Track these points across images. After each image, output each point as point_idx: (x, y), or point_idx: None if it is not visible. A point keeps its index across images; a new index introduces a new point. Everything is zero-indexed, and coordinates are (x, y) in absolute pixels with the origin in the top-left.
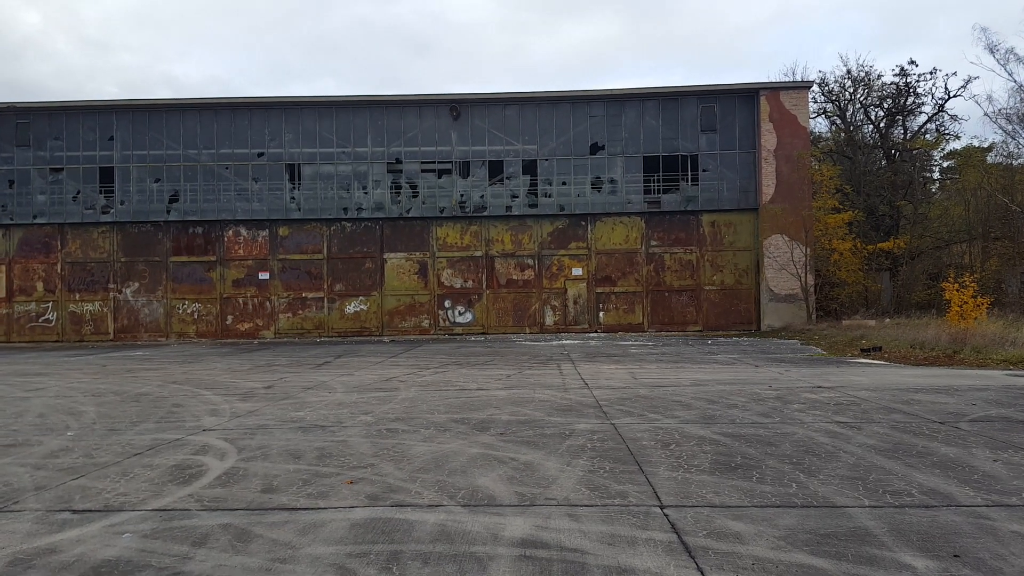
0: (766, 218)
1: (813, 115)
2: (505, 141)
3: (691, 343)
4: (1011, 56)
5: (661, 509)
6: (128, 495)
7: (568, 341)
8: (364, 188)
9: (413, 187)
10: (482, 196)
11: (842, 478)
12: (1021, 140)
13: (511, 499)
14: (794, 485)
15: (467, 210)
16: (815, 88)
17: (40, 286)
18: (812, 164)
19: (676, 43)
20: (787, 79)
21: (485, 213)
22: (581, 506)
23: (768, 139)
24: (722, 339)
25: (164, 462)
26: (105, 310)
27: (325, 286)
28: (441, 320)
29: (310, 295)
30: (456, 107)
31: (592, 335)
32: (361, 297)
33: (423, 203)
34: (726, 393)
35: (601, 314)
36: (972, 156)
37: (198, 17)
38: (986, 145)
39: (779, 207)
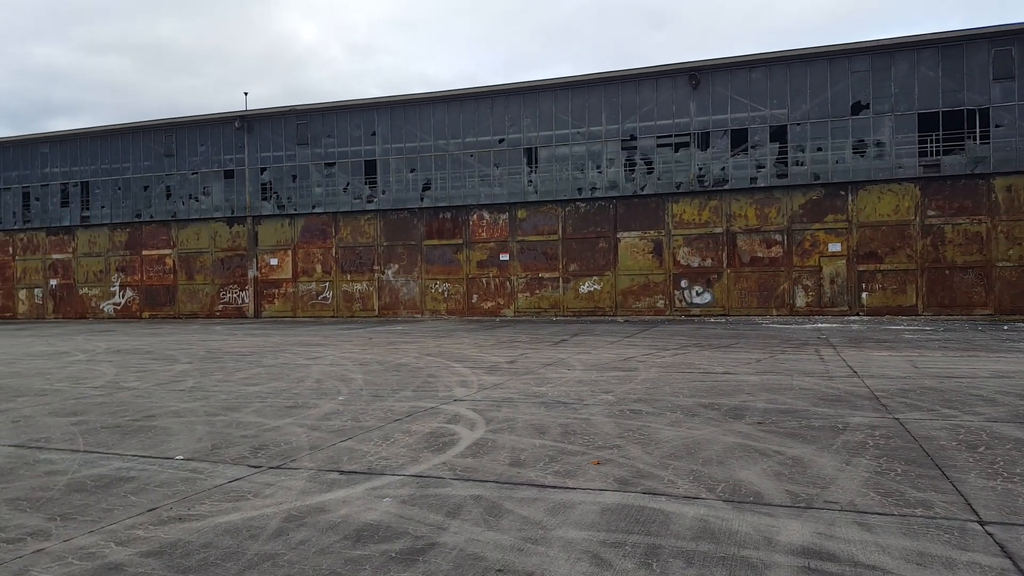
0: None
1: None
2: (750, 107)
3: (981, 328)
4: None
5: (981, 525)
6: (389, 459)
7: (824, 325)
8: (598, 167)
9: (648, 163)
10: (723, 168)
11: None
12: None
13: (782, 498)
14: None
15: (706, 184)
16: None
17: (319, 268)
18: None
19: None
20: None
21: (726, 186)
22: (872, 514)
23: None
24: (1021, 324)
25: (420, 429)
26: (371, 289)
27: (560, 266)
28: (677, 300)
29: (546, 275)
30: (696, 75)
31: (853, 318)
32: (595, 277)
33: (658, 179)
34: None
35: (864, 295)
36: None
37: (444, 16)
38: None
39: None
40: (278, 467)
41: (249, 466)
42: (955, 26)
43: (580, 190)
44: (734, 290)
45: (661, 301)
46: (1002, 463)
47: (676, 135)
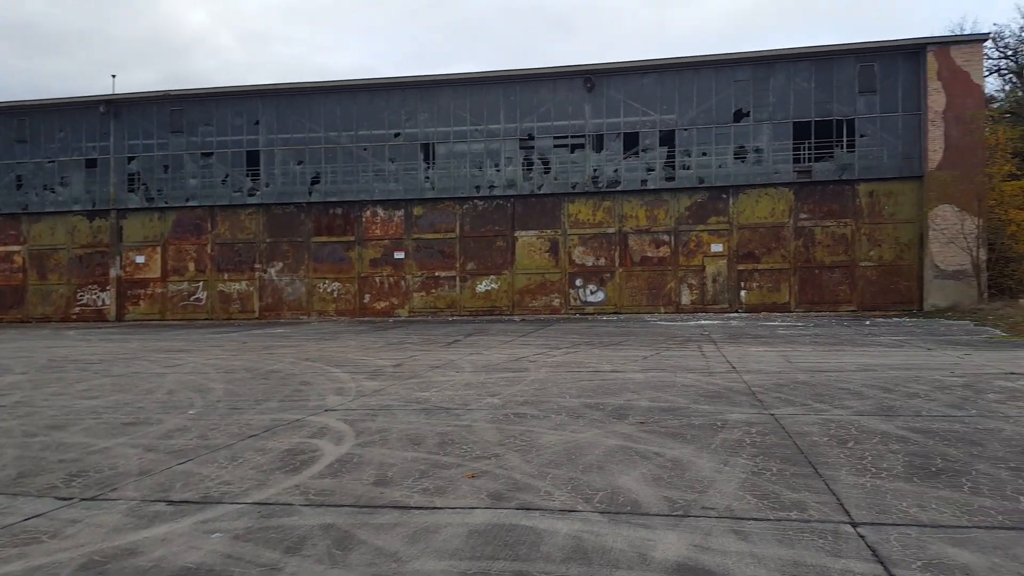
0: (932, 187)
1: (986, 73)
2: (641, 112)
3: (846, 324)
4: None
5: (853, 527)
6: (231, 484)
7: (707, 321)
8: (496, 165)
9: (545, 163)
10: (616, 170)
11: None
12: None
13: (660, 506)
14: (1023, 498)
15: (600, 185)
16: (988, 43)
17: (192, 266)
18: (986, 126)
19: (826, 7)
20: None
21: (619, 188)
22: (748, 519)
23: (936, 99)
24: (880, 320)
25: (277, 446)
26: (251, 289)
27: (457, 265)
28: (572, 299)
29: (442, 274)
30: (590, 78)
31: (733, 315)
32: (492, 276)
33: (555, 179)
34: (901, 380)
35: (743, 293)
36: None
37: (347, 8)
38: None
39: (947, 174)
40: (93, 498)
41: (57, 498)
42: (827, 41)
43: (478, 188)
44: (625, 289)
45: (557, 300)
46: (870, 458)
47: (572, 136)
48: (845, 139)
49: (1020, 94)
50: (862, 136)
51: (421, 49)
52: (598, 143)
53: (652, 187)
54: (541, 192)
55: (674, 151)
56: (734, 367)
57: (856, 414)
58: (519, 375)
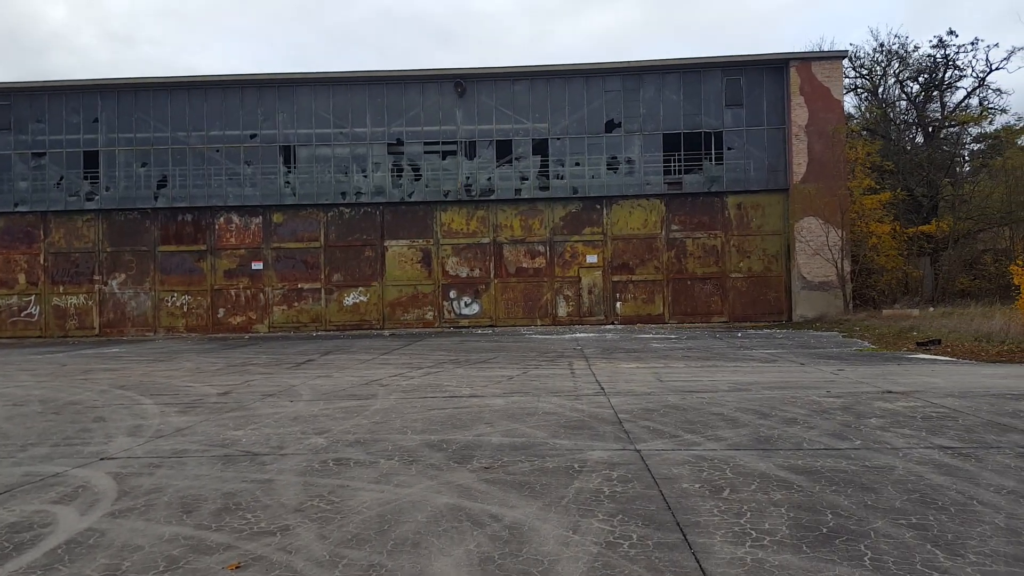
0: (797, 199)
1: (845, 91)
2: (514, 119)
3: (719, 336)
4: None
5: None
6: None
7: (582, 334)
8: (363, 171)
9: (416, 170)
10: (489, 178)
11: (1009, 558)
12: None
13: None
14: None
15: (473, 193)
16: (846, 62)
17: (22, 278)
18: (846, 140)
19: (700, 29)
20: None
21: (493, 196)
22: None
23: (799, 114)
24: (752, 331)
25: (3, 518)
26: (90, 303)
27: (322, 276)
28: (446, 312)
29: (306, 286)
30: (461, 83)
31: (609, 327)
32: (360, 288)
33: (426, 187)
34: (777, 401)
35: (618, 304)
36: (1011, 136)
37: (222, 9)
38: (1019, 127)
39: (812, 187)
40: None
41: None
42: (694, 53)
43: (344, 195)
44: (501, 301)
45: (430, 312)
46: (749, 515)
47: (443, 142)
48: (714, 151)
49: (876, 112)
50: (730, 149)
51: (300, 54)
52: (471, 150)
53: (526, 196)
54: (412, 200)
55: (548, 160)
56: (603, 388)
57: (731, 448)
58: (363, 404)
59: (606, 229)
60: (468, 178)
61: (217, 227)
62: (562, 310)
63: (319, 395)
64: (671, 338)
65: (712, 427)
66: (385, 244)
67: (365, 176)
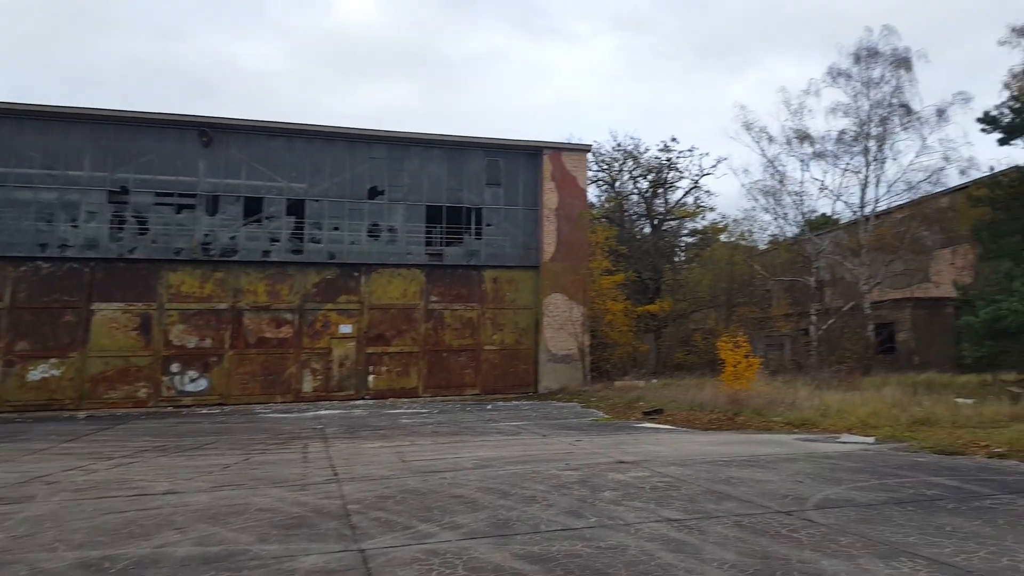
0: (546, 276)
1: (589, 181)
2: (267, 176)
3: (469, 408)
4: (763, 135)
5: None
6: None
7: (327, 412)
8: (73, 220)
9: (142, 222)
10: (233, 237)
11: None
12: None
13: None
14: None
15: (212, 253)
16: (590, 155)
17: None
18: (590, 225)
19: (466, 117)
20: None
21: (235, 258)
22: None
23: (550, 197)
24: (501, 403)
25: None
26: None
27: (2, 345)
28: (165, 388)
29: None
30: (207, 132)
31: (359, 402)
32: (53, 359)
33: (153, 242)
34: (519, 477)
35: (371, 377)
36: (717, 231)
37: None
38: (721, 225)
39: (559, 266)
40: None
41: None
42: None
43: (44, 246)
44: (236, 375)
45: (145, 389)
46: None
47: (180, 194)
48: (474, 226)
49: (613, 202)
50: (488, 225)
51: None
52: (213, 205)
53: (276, 259)
54: (133, 256)
55: (303, 222)
56: (337, 474)
57: (467, 536)
58: (13, 509)
59: (363, 298)
60: (207, 235)
61: None
62: (308, 385)
63: None
64: (422, 412)
65: (450, 512)
66: (92, 307)
67: (75, 226)
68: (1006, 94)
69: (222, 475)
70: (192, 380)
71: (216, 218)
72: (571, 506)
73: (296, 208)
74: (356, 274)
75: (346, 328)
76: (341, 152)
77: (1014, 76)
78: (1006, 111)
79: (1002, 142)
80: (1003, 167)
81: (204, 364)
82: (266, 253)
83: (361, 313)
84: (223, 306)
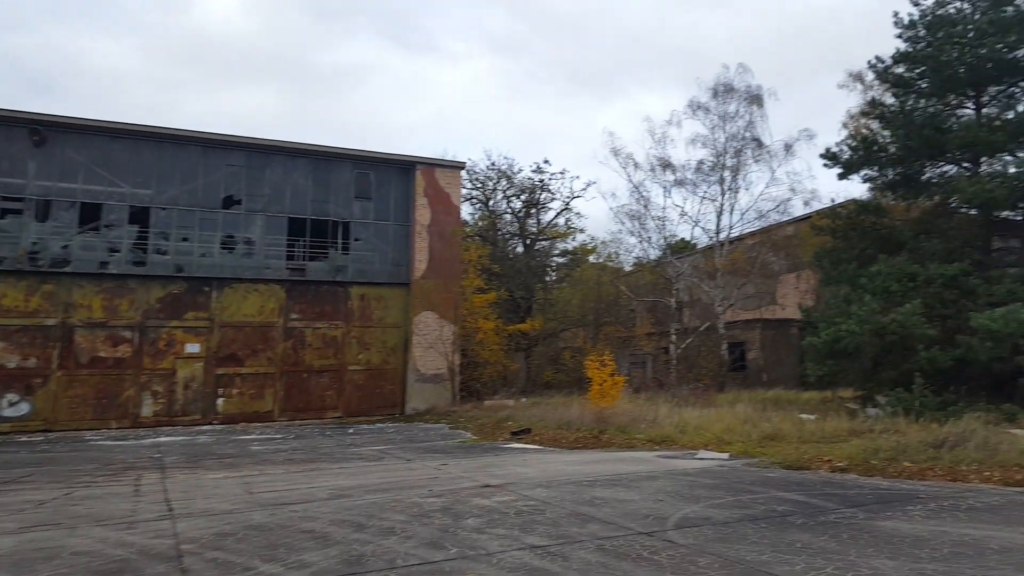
0: (417, 294)
1: (463, 199)
2: (109, 181)
3: (329, 433)
4: (630, 161)
5: None
6: None
7: (169, 438)
8: None
9: None
10: (66, 246)
11: None
12: (638, 235)
13: None
14: None
15: (40, 263)
16: (464, 173)
17: None
18: (463, 243)
19: (337, 129)
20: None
21: (67, 269)
22: None
23: (422, 213)
24: (365, 426)
25: None
26: None
27: None
28: None
29: None
30: (39, 130)
31: (206, 427)
32: None
33: None
34: (378, 508)
35: (220, 401)
36: (586, 252)
37: None
38: (591, 247)
39: (431, 283)
40: None
41: None
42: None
43: None
44: (64, 398)
45: None
46: None
47: (5, 197)
48: (341, 241)
49: (487, 221)
50: (357, 240)
51: None
52: (43, 211)
53: (115, 271)
54: None
55: (148, 232)
56: (172, 509)
57: None
58: None
59: (214, 314)
60: (35, 244)
61: None
62: (148, 409)
63: None
64: (276, 438)
65: (298, 550)
66: None
67: None
68: (844, 132)
69: (35, 514)
70: (11, 404)
71: (47, 225)
72: (432, 537)
73: (140, 216)
74: (207, 289)
75: (193, 347)
76: (194, 158)
77: (851, 117)
78: (845, 148)
79: (841, 176)
80: (842, 199)
81: (26, 386)
82: (104, 264)
83: (211, 331)
84: (51, 322)
